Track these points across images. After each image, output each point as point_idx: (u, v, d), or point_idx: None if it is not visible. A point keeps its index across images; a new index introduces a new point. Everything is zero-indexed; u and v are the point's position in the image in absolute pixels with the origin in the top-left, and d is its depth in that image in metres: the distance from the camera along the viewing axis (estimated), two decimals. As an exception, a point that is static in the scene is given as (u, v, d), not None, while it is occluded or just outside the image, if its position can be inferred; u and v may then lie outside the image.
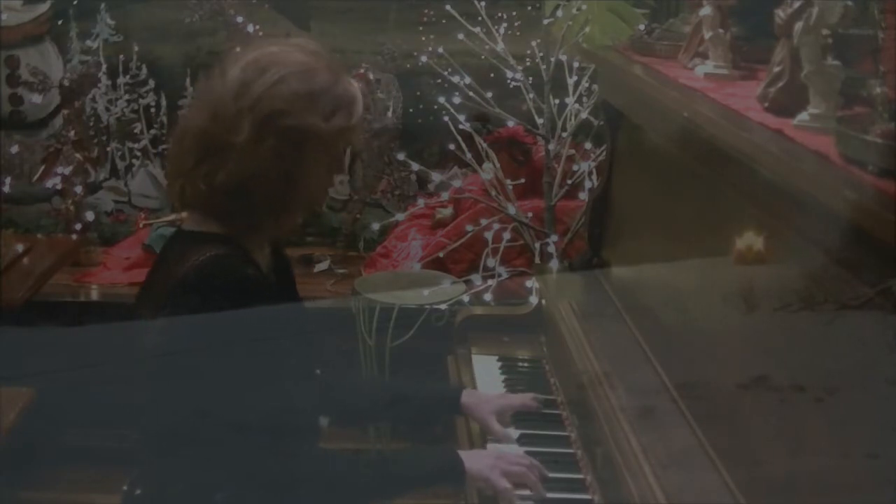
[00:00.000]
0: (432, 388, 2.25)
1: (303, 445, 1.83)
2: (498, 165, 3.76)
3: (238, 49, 1.81)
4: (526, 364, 2.43)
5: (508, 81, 3.69)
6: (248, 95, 1.70)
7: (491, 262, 3.53)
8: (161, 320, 1.71)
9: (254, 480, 1.71)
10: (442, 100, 3.69)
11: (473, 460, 1.88)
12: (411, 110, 4.55)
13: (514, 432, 2.06)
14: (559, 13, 2.96)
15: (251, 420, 1.68)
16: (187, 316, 1.67)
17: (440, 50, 3.87)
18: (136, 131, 4.62)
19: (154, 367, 1.74)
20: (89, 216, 4.40)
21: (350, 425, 2.99)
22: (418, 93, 4.46)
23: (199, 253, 1.71)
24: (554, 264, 2.98)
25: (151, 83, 4.60)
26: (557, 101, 3.60)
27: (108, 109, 4.60)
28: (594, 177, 3.49)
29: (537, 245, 3.57)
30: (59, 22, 4.63)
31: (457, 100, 3.66)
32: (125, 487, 1.88)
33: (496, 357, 2.43)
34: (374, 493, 1.90)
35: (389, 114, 4.50)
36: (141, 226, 4.36)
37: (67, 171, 4.40)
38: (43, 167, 4.51)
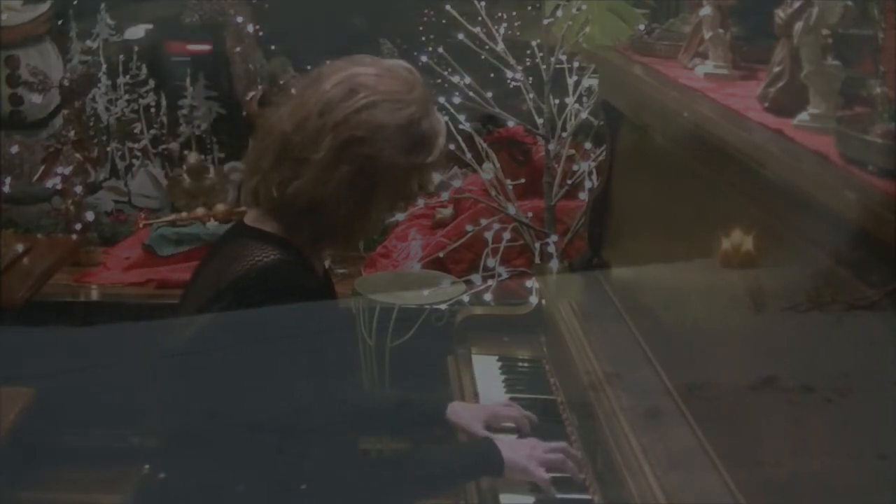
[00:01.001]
0: (418, 402, 2.20)
1: (343, 448, 1.83)
2: (498, 165, 3.76)
3: (338, 62, 1.79)
4: (526, 364, 2.43)
5: (508, 81, 3.69)
6: (332, 115, 1.69)
7: (491, 262, 3.53)
8: (208, 313, 1.71)
9: (287, 481, 1.72)
10: (442, 100, 3.69)
11: (510, 451, 1.88)
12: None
13: (504, 436, 2.04)
14: (559, 13, 2.96)
15: (283, 421, 1.68)
16: (233, 312, 1.67)
17: (440, 50, 3.87)
18: (136, 131, 4.62)
19: (191, 362, 1.73)
20: (89, 216, 4.40)
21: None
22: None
23: (263, 253, 1.71)
24: (554, 264, 2.99)
25: (151, 83, 4.60)
26: (557, 101, 3.60)
27: (108, 109, 4.61)
28: (594, 177, 3.49)
29: (537, 245, 3.57)
30: (59, 22, 4.64)
31: (457, 100, 3.66)
32: (144, 474, 1.88)
33: (496, 357, 2.43)
34: (418, 489, 1.90)
35: (389, 114, 4.49)
36: (141, 226, 4.36)
37: (67, 171, 4.40)
38: (43, 167, 4.50)
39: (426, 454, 2.01)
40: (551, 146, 3.60)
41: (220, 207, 4.24)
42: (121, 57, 4.58)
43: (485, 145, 3.80)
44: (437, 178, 4.02)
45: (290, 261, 1.73)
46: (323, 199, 1.71)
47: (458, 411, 2.09)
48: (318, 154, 1.69)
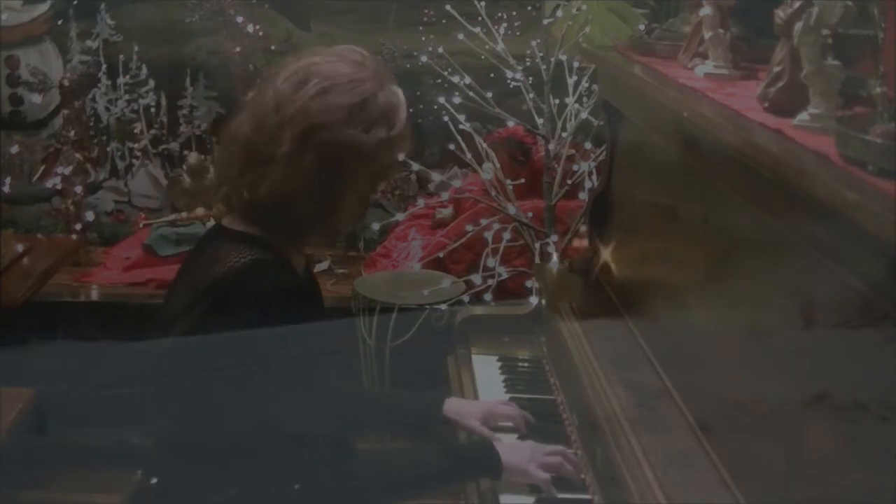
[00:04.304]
0: (415, 398, 2.25)
1: (337, 448, 1.83)
2: (498, 165, 3.76)
3: (288, 58, 1.82)
4: (526, 364, 2.43)
5: (508, 81, 3.69)
6: (287, 108, 1.71)
7: (491, 262, 3.53)
8: (188, 320, 1.71)
9: (285, 485, 1.72)
10: (442, 100, 3.69)
11: (510, 453, 1.89)
12: (411, 110, 4.54)
13: (502, 435, 2.05)
14: (559, 13, 2.96)
15: (278, 428, 1.68)
16: (217, 318, 1.67)
17: (440, 50, 3.86)
18: (136, 131, 4.62)
19: (174, 371, 1.74)
20: (89, 216, 4.40)
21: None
22: (418, 93, 4.46)
23: (240, 254, 1.72)
24: (554, 264, 2.98)
25: (151, 83, 4.60)
26: (557, 101, 3.60)
27: (108, 109, 4.60)
28: (594, 177, 3.49)
29: (537, 245, 3.57)
30: (59, 22, 4.63)
31: (457, 100, 3.65)
32: (136, 480, 1.88)
33: (496, 357, 2.43)
34: (411, 487, 1.91)
35: (390, 114, 4.49)
36: (141, 226, 4.36)
37: (67, 171, 4.40)
38: (43, 167, 4.51)
39: (425, 452, 2.02)
40: (551, 146, 3.60)
41: (221, 207, 4.23)
42: (121, 57, 4.58)
43: (485, 145, 3.80)
44: (437, 177, 4.05)
45: (267, 260, 1.73)
46: (294, 193, 1.72)
47: (455, 407, 2.11)
48: (281, 149, 1.70)
